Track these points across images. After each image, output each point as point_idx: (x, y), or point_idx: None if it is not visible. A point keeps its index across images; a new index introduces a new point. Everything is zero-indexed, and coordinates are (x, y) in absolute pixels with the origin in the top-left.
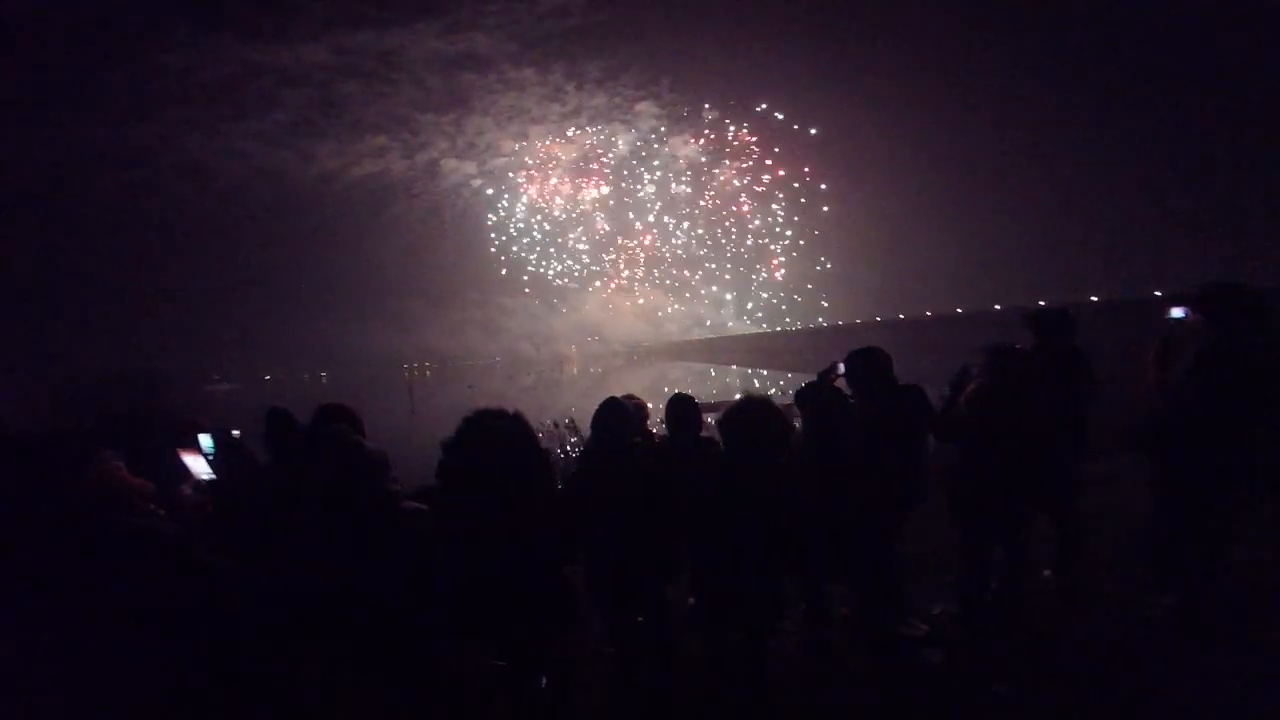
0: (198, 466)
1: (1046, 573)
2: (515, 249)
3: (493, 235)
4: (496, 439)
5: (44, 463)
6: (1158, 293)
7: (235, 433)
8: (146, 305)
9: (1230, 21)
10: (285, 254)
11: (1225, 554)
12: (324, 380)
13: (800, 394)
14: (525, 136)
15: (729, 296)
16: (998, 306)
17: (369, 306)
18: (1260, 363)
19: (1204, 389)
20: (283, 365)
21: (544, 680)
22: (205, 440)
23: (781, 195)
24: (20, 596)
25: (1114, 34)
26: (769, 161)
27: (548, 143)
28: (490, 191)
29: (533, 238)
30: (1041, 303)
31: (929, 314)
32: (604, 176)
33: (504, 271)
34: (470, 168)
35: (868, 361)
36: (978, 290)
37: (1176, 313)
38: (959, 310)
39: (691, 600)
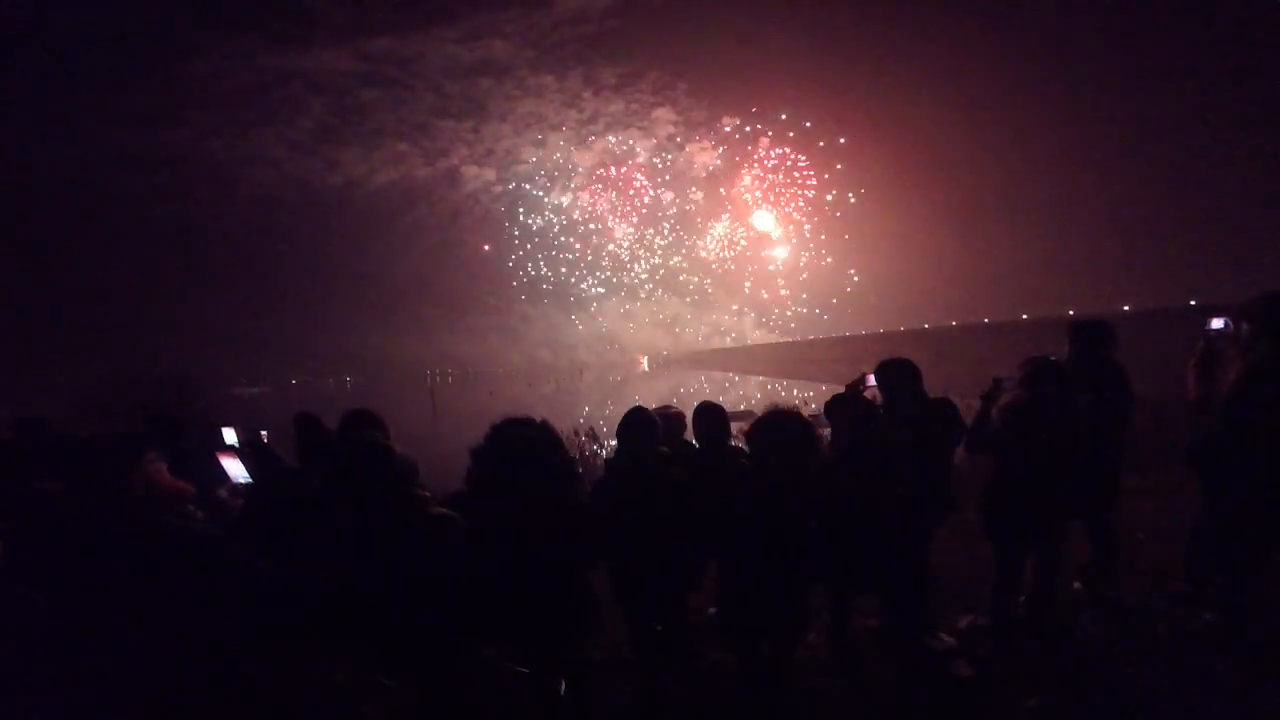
0: (235, 470)
1: (1077, 585)
2: (538, 257)
3: (514, 242)
4: (524, 447)
5: (97, 465)
6: (1192, 302)
7: (264, 435)
8: (176, 309)
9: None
10: (310, 260)
11: (1266, 570)
12: (349, 385)
13: (831, 405)
14: (543, 143)
15: (748, 308)
16: (1024, 316)
17: (391, 312)
18: None
19: (1254, 403)
20: (309, 370)
21: (564, 686)
22: (229, 434)
23: (803, 204)
24: (69, 596)
25: (1147, 43)
26: (791, 170)
27: (566, 149)
28: (510, 198)
29: (553, 246)
30: (1071, 312)
31: (954, 324)
32: (620, 185)
33: (525, 278)
34: (489, 174)
35: (899, 374)
36: (1003, 300)
37: (1216, 324)
38: (985, 320)
39: (712, 610)
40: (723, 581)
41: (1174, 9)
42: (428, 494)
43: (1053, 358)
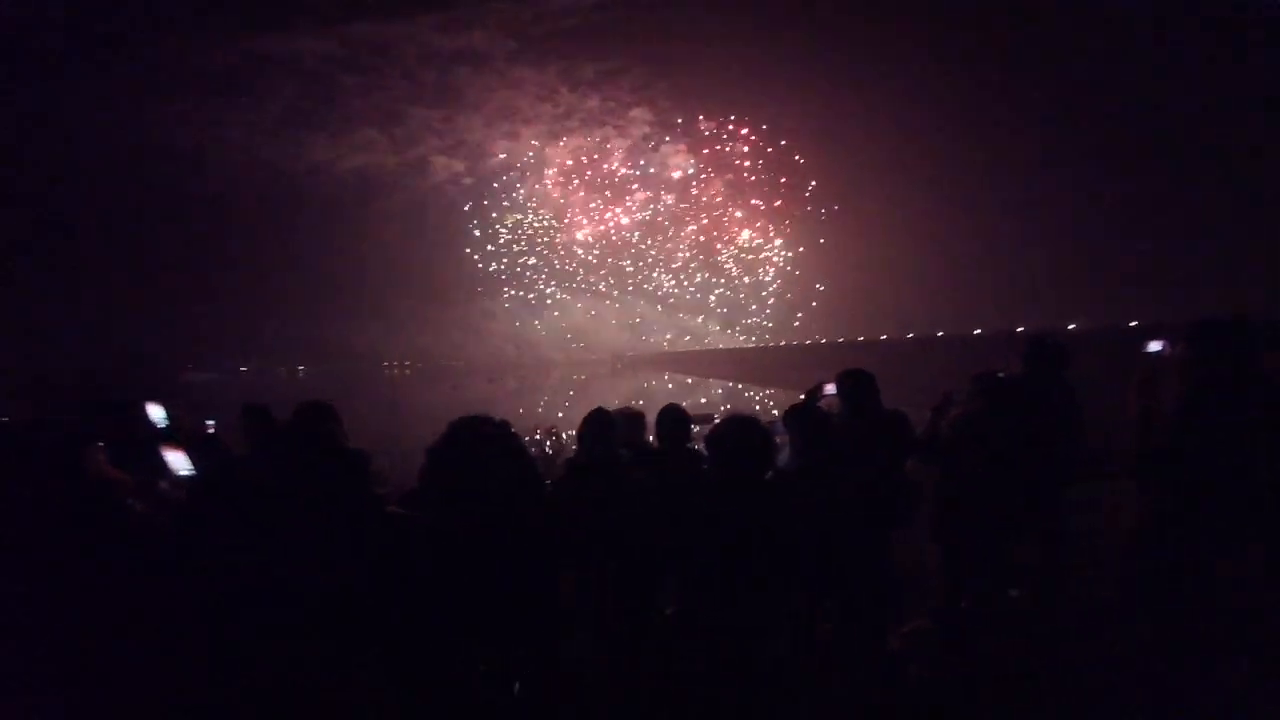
0: (176, 461)
1: (1014, 593)
2: (504, 252)
3: (481, 236)
4: (483, 446)
5: (38, 453)
6: (1133, 323)
7: (210, 425)
8: (128, 292)
9: (1215, 56)
10: (268, 245)
11: (1204, 582)
12: (301, 374)
13: (789, 413)
14: (516, 136)
15: (716, 310)
16: (977, 331)
17: (351, 301)
18: (1250, 397)
19: (1196, 423)
20: (260, 357)
21: (517, 687)
22: (156, 411)
23: (771, 210)
24: (12, 588)
25: (1100, 68)
26: (761, 176)
27: (538, 144)
28: (478, 191)
29: (520, 241)
30: (1020, 329)
31: (910, 336)
32: (593, 184)
33: (491, 270)
34: (459, 166)
35: (857, 384)
36: (960, 314)
37: (1155, 346)
38: (939, 334)
39: (669, 611)
40: (683, 584)
41: (1135, 34)
42: (382, 492)
43: (1000, 374)
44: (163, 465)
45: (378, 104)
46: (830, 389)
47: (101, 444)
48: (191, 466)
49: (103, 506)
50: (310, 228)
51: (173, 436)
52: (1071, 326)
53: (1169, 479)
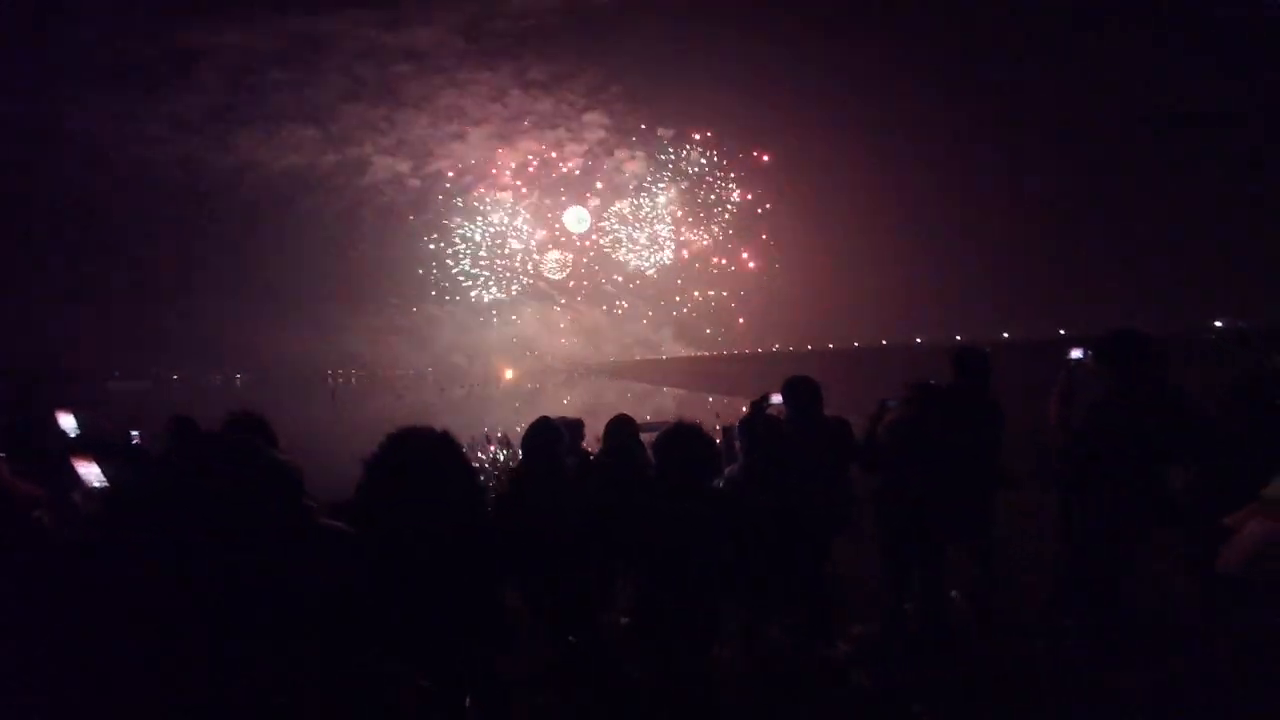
0: (90, 473)
1: (954, 594)
2: (448, 256)
3: (424, 240)
4: (421, 458)
5: None
6: (1061, 331)
7: (135, 436)
8: (46, 296)
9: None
10: (197, 246)
11: (1121, 582)
12: (239, 382)
13: (742, 422)
14: (464, 138)
15: (667, 321)
16: (919, 340)
17: (286, 307)
18: (1154, 406)
19: (1104, 429)
20: (194, 364)
21: (469, 701)
22: (67, 421)
23: (727, 221)
24: None
25: (1026, 85)
26: (717, 187)
27: (488, 146)
28: (421, 194)
29: (467, 246)
30: (958, 338)
31: (856, 344)
32: (546, 188)
33: (433, 276)
34: (402, 166)
35: (802, 392)
36: (903, 324)
37: (1076, 354)
38: (884, 342)
39: (625, 620)
40: (635, 593)
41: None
42: (313, 504)
43: (933, 382)
44: (74, 477)
45: (312, 100)
46: (777, 398)
47: (2, 455)
48: (105, 478)
49: (2, 520)
50: (242, 228)
51: (87, 447)
52: (1005, 335)
53: (1079, 483)
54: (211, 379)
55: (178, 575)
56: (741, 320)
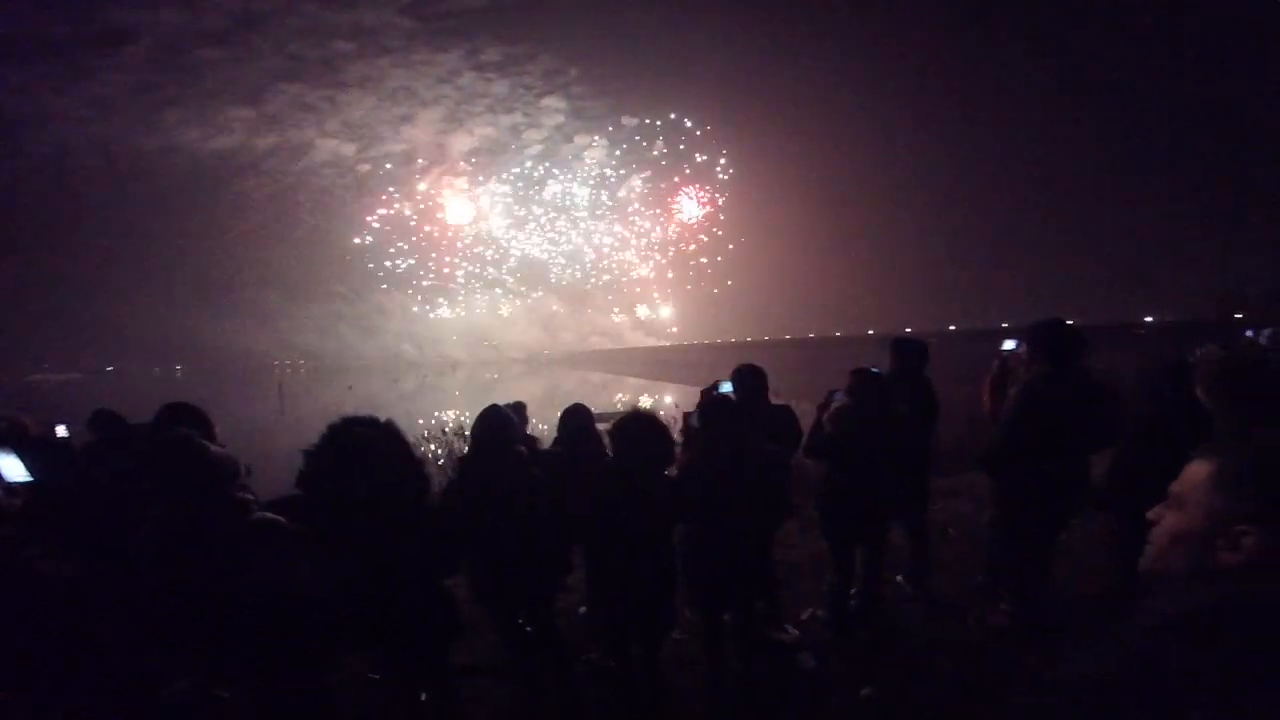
0: (11, 467)
1: (899, 578)
2: (398, 243)
3: (373, 226)
4: (363, 448)
5: None
6: (1004, 324)
7: (61, 430)
8: None
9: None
10: (127, 232)
11: (1049, 564)
12: (179, 374)
13: (698, 407)
14: (413, 120)
15: (627, 310)
16: (871, 331)
17: (226, 297)
18: (1076, 394)
19: (1028, 416)
20: (133, 356)
21: (423, 695)
22: None
23: (690, 212)
24: None
25: (977, 87)
26: (678, 179)
27: (440, 130)
28: (370, 178)
29: (417, 234)
30: (909, 329)
31: (811, 335)
32: (503, 175)
33: (384, 266)
34: (347, 149)
35: (750, 379)
36: (857, 316)
37: (1009, 344)
38: (838, 334)
39: (583, 609)
40: (590, 580)
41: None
42: (250, 497)
43: (875, 370)
44: None
45: (248, 80)
46: (727, 386)
47: None
48: (28, 473)
49: None
50: (179, 214)
51: (4, 441)
52: (952, 328)
53: (1008, 473)
54: (150, 371)
55: (101, 569)
56: (703, 310)
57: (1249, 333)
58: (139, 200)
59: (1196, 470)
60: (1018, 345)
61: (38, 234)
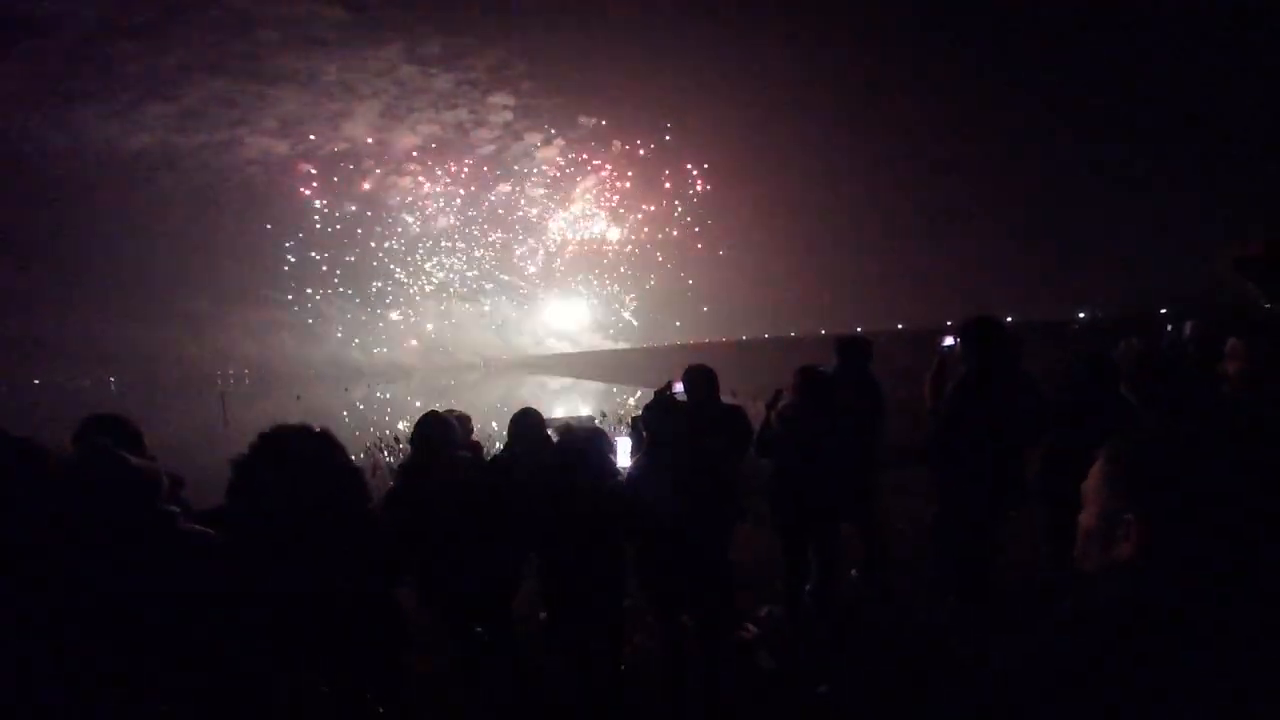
0: None
1: (854, 572)
2: (339, 246)
3: (309, 229)
4: (294, 457)
5: None
6: (949, 322)
7: None
8: None
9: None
10: (46, 236)
11: (990, 557)
12: (112, 386)
13: (646, 409)
14: (349, 116)
15: (585, 313)
16: (823, 331)
17: (154, 303)
18: (1004, 388)
19: (961, 411)
20: (57, 368)
21: (380, 709)
22: None
23: (643, 213)
24: None
25: (930, 88)
26: (630, 177)
27: (380, 128)
28: (304, 177)
29: (357, 235)
30: (859, 329)
31: (766, 336)
32: (449, 173)
33: (324, 270)
34: (279, 148)
35: (699, 380)
36: (810, 317)
37: (947, 341)
38: (793, 334)
39: (543, 615)
40: (542, 585)
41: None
42: (175, 509)
43: (821, 368)
44: None
45: (164, 74)
46: (679, 386)
47: None
48: None
49: None
50: (97, 215)
51: None
52: (900, 326)
53: (945, 467)
54: (80, 382)
55: (12, 584)
56: (663, 313)
57: (1169, 327)
58: (56, 201)
59: (1097, 465)
60: (955, 342)
61: None
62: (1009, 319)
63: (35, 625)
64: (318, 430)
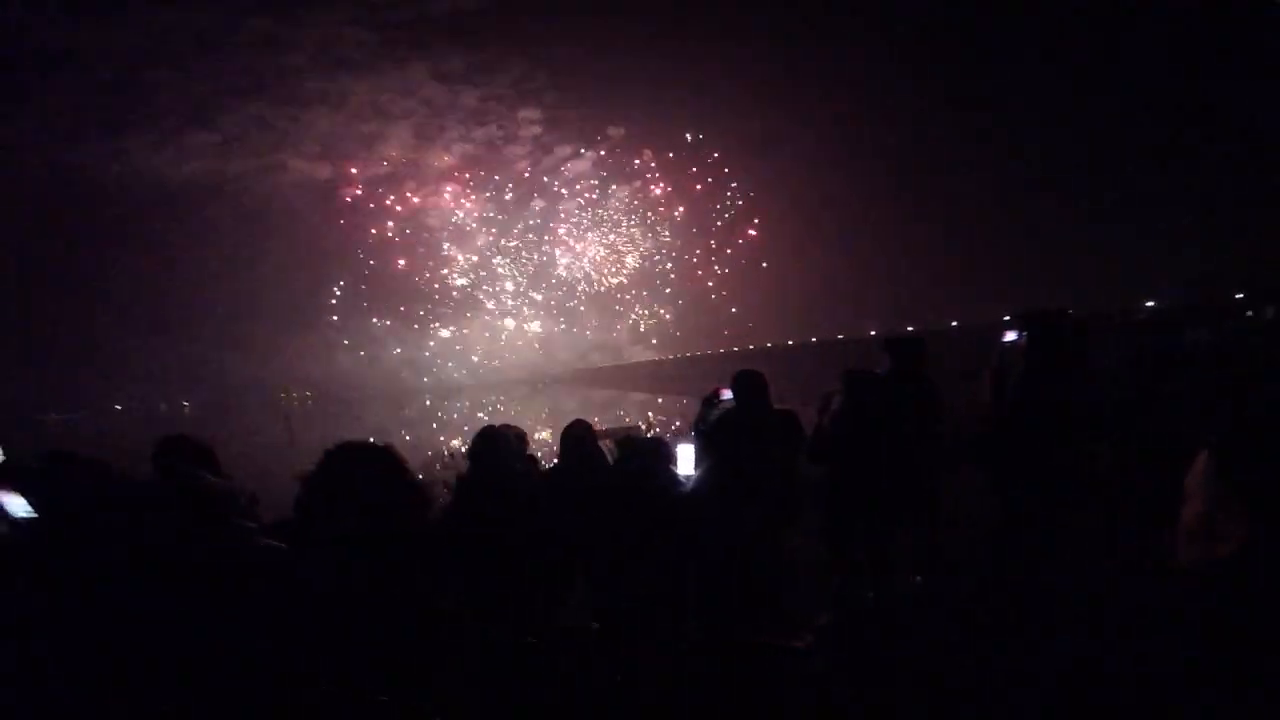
0: (14, 504)
1: (918, 579)
2: (384, 267)
3: (356, 251)
4: (360, 473)
5: None
6: (1005, 317)
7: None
8: None
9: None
10: (110, 265)
11: (1054, 555)
12: (186, 409)
13: (721, 419)
14: (383, 137)
15: (624, 325)
16: (873, 333)
17: (220, 329)
18: (1070, 381)
19: (1024, 406)
20: (136, 392)
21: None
22: None
23: (677, 218)
24: None
25: (972, 79)
26: (666, 187)
27: (414, 148)
28: (347, 200)
29: (401, 256)
30: (910, 328)
31: (813, 339)
32: (484, 192)
33: (372, 289)
34: (321, 171)
35: (750, 384)
36: (859, 317)
37: (1009, 336)
38: (839, 336)
39: (595, 625)
40: (594, 596)
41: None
42: (251, 525)
43: (870, 370)
44: None
45: (201, 100)
46: (727, 393)
47: None
48: (33, 509)
49: None
50: (145, 243)
51: (8, 477)
52: (954, 324)
53: (1006, 463)
54: (157, 407)
55: (107, 605)
56: (703, 320)
57: (1249, 313)
58: (112, 230)
59: (1202, 459)
60: (1018, 337)
61: (19, 272)
62: (1070, 311)
63: (111, 641)
64: (382, 446)
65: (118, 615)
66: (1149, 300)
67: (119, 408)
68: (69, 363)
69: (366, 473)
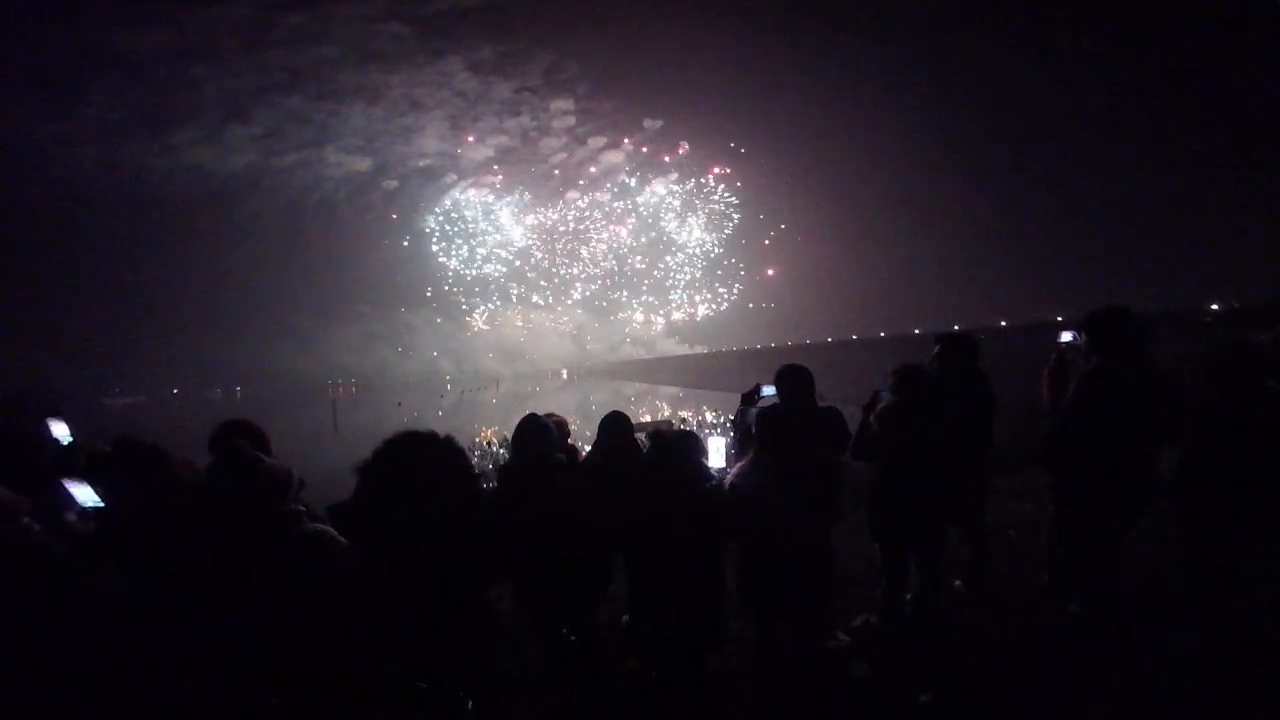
0: (83, 493)
1: (958, 583)
2: (423, 259)
3: (396, 243)
4: (418, 461)
5: None
6: (1059, 318)
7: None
8: (25, 314)
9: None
10: (166, 257)
11: (1119, 559)
12: (239, 395)
13: (763, 413)
14: (420, 130)
15: (657, 318)
16: (917, 331)
17: (267, 319)
18: (1137, 381)
19: (1088, 407)
20: (193, 379)
21: (470, 703)
22: (60, 428)
23: (718, 216)
24: None
25: (1012, 80)
26: (704, 180)
27: (449, 140)
28: (386, 193)
29: (440, 248)
30: (956, 327)
31: (854, 337)
32: (520, 182)
33: (410, 283)
34: (360, 164)
35: (795, 380)
36: (901, 315)
37: (1066, 336)
38: (882, 334)
39: (625, 618)
40: (632, 589)
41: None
42: (302, 509)
43: (921, 367)
44: (67, 496)
45: (240, 95)
46: (769, 389)
47: None
48: (99, 498)
49: None
50: (196, 237)
51: (76, 464)
52: (1003, 323)
53: (1067, 465)
54: (212, 393)
55: (170, 586)
56: (739, 315)
57: None
58: (164, 223)
59: None
60: (1076, 336)
61: (81, 259)
62: (1132, 310)
63: (169, 614)
64: (442, 435)
65: (184, 605)
66: (1214, 303)
67: (176, 391)
68: (128, 351)
69: (422, 462)
